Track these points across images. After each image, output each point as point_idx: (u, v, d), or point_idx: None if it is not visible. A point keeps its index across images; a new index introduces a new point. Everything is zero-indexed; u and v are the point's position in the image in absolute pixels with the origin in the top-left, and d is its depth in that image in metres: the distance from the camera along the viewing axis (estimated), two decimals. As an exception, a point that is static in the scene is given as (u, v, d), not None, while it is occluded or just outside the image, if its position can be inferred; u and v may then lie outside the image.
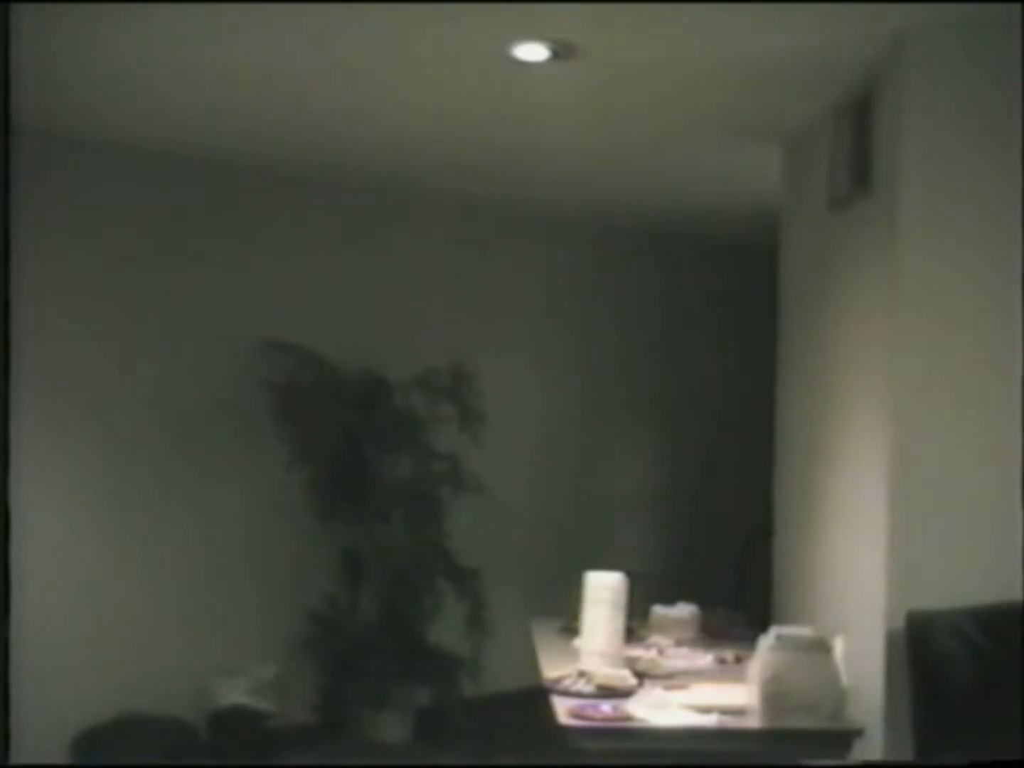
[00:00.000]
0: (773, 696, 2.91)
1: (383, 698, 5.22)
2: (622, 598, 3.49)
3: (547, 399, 6.48)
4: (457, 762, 5.07)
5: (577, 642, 3.62)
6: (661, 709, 3.05)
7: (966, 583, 3.27)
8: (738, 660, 3.62)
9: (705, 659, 3.74)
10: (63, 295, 4.86)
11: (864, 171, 3.70)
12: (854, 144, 3.79)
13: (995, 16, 3.21)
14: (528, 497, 6.25)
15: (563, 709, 3.04)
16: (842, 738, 2.94)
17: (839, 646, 3.04)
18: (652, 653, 3.67)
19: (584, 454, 6.62)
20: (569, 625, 3.87)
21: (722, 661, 3.71)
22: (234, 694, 5.08)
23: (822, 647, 3.00)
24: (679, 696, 3.19)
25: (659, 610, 4.19)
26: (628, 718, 2.98)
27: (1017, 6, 3.09)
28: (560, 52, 3.67)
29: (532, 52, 3.69)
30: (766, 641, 3.00)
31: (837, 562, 3.93)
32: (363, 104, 4.41)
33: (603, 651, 3.43)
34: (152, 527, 5.12)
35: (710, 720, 2.98)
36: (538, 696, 3.38)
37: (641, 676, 3.36)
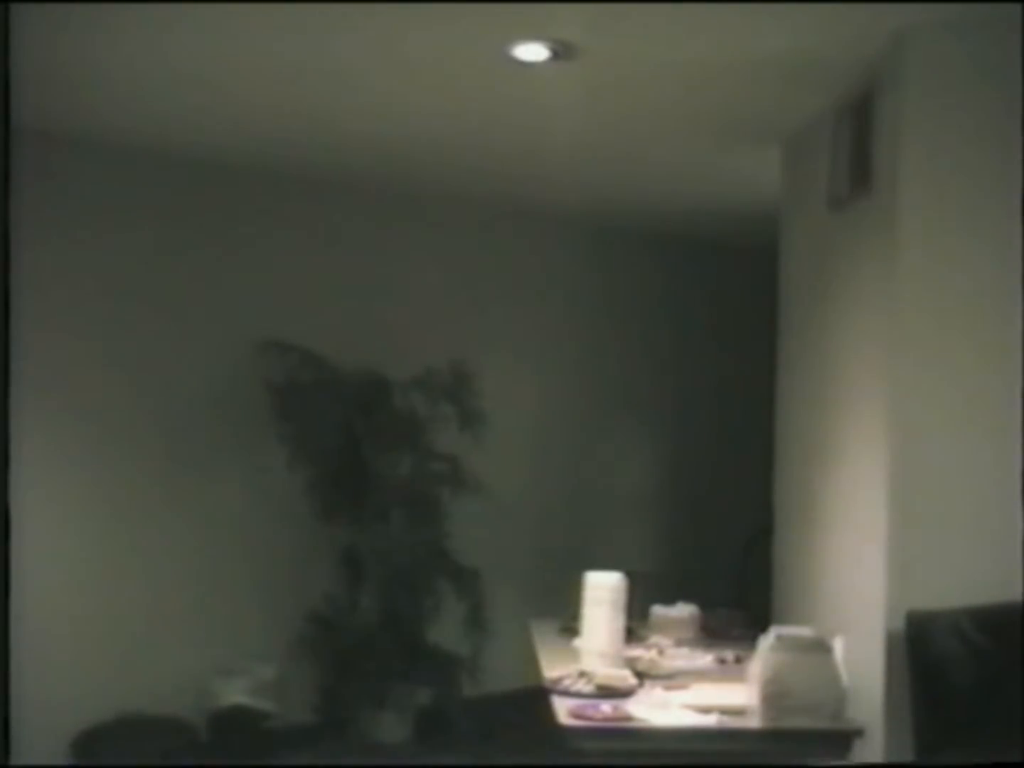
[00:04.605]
0: (773, 696, 2.91)
1: (383, 698, 5.22)
2: (622, 598, 3.49)
3: (547, 399, 6.48)
4: (457, 762, 5.07)
5: (577, 642, 3.62)
6: (661, 709, 3.05)
7: (966, 583, 3.26)
8: (738, 660, 3.62)
9: (705, 659, 3.74)
10: (63, 295, 4.86)
11: (864, 171, 3.70)
12: (854, 144, 3.79)
13: (995, 16, 3.21)
14: (528, 497, 6.25)
15: (563, 709, 3.05)
16: (842, 738, 2.94)
17: (839, 646, 3.04)
18: (652, 653, 3.67)
19: (584, 454, 6.61)
20: (569, 625, 3.87)
21: (722, 661, 3.71)
22: (234, 694, 5.08)
23: (822, 647, 3.00)
24: (679, 696, 3.19)
25: (659, 610, 4.19)
26: (628, 718, 2.98)
27: (1017, 6, 3.09)
28: (560, 52, 3.67)
29: (532, 52, 3.69)
30: (766, 641, 3.01)
31: (837, 562, 3.93)
32: (363, 104, 4.41)
33: (603, 651, 3.43)
34: (152, 527, 5.12)
35: (710, 720, 2.98)
36: (538, 696, 3.38)
37: (641, 676, 3.36)
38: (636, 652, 3.61)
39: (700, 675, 3.51)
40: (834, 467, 3.99)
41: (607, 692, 3.17)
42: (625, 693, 3.19)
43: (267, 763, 4.94)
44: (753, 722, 2.95)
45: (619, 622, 3.49)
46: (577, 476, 6.58)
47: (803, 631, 3.12)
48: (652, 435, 6.98)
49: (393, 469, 5.30)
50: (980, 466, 3.36)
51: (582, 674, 3.29)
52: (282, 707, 5.18)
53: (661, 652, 3.75)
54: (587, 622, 3.51)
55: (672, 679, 3.41)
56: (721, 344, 6.98)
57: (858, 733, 2.97)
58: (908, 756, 3.17)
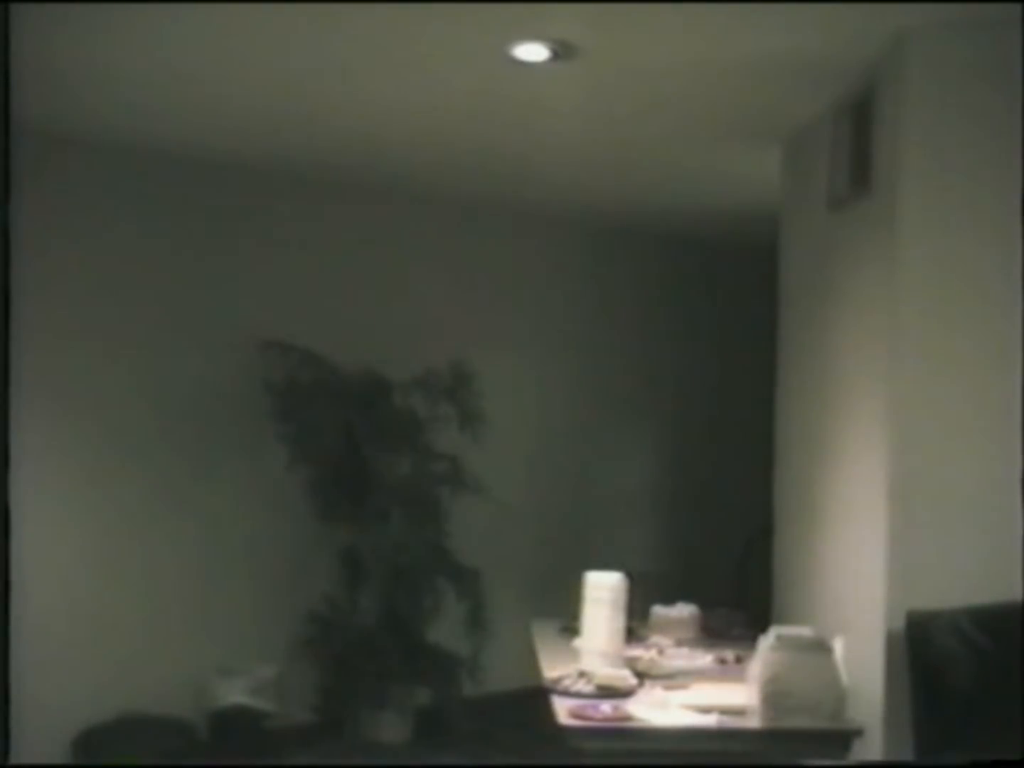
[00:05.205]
0: (773, 696, 2.91)
1: (383, 698, 5.22)
2: (622, 598, 3.49)
3: (547, 399, 6.48)
4: (457, 762, 5.07)
5: (577, 642, 3.62)
6: (661, 709, 3.05)
7: (966, 583, 3.26)
8: (738, 660, 3.62)
9: (705, 659, 3.74)
10: (63, 295, 4.86)
11: (864, 171, 3.70)
12: (854, 144, 3.79)
13: (995, 16, 3.21)
14: (528, 497, 6.25)
15: (563, 709, 3.05)
16: (842, 738, 2.94)
17: (839, 646, 3.04)
18: (652, 653, 3.68)
19: (584, 454, 6.62)
20: (569, 625, 3.87)
21: (722, 661, 3.71)
22: (234, 694, 5.08)
23: (822, 647, 3.00)
24: (679, 696, 3.19)
25: (659, 610, 4.20)
26: (628, 718, 2.99)
27: (1017, 6, 3.08)
28: (560, 52, 3.67)
29: (532, 52, 3.69)
30: (766, 641, 3.01)
31: (837, 562, 3.92)
32: (363, 104, 4.40)
33: (603, 651, 3.43)
34: (152, 527, 5.12)
35: (710, 720, 2.98)
36: (538, 696, 3.38)
37: (641, 676, 3.36)
38: (636, 652, 3.62)
39: (700, 675, 3.51)
40: (834, 467, 3.99)
41: (607, 692, 3.17)
42: (625, 693, 3.19)
43: (267, 763, 4.94)
44: (753, 722, 2.95)
45: (619, 622, 3.49)
46: (577, 476, 6.59)
47: (803, 631, 3.13)
48: (652, 435, 6.98)
49: (393, 469, 5.30)
50: (980, 466, 3.36)
51: (582, 674, 3.29)
52: (282, 707, 5.18)
53: (661, 652, 3.76)
54: (587, 622, 3.51)
55: (672, 679, 3.41)
56: (721, 344, 6.98)
57: (858, 733, 2.98)
58: (908, 756, 3.17)
